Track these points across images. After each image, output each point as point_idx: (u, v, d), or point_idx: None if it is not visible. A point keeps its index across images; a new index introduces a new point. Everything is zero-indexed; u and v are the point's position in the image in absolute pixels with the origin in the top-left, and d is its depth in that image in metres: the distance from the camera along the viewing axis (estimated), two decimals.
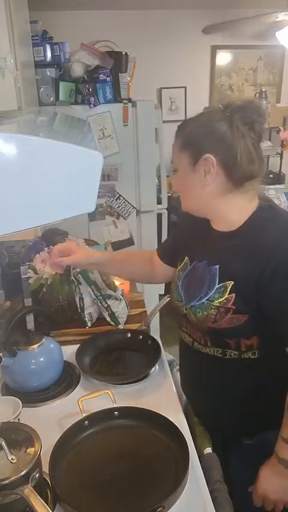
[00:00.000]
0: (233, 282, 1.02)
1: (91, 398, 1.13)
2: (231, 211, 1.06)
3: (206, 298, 1.06)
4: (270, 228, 1.02)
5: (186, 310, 1.13)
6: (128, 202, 2.72)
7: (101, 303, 1.61)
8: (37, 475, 0.85)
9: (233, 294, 1.02)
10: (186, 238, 1.23)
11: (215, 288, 1.05)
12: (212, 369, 1.14)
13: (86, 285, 1.60)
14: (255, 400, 1.11)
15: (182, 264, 1.20)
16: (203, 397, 1.22)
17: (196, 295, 1.09)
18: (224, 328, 1.03)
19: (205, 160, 1.00)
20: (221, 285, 1.04)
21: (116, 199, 2.70)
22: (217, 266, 1.06)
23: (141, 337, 1.50)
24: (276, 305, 0.99)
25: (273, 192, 3.25)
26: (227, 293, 1.03)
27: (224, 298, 1.03)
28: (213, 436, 1.18)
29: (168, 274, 1.33)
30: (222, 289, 1.04)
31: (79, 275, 1.60)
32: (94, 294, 1.60)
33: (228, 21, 2.90)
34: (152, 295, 2.70)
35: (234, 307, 1.01)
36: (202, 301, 1.07)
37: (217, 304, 1.04)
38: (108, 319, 1.63)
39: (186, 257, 1.19)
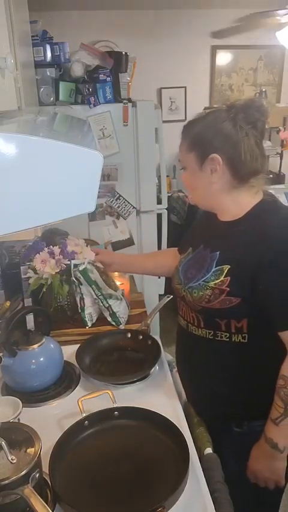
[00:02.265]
0: (229, 266, 1.07)
1: (91, 398, 1.13)
2: (236, 205, 1.11)
3: (203, 279, 1.11)
4: (272, 219, 1.08)
5: (184, 291, 1.18)
6: (128, 202, 2.72)
7: (102, 302, 1.61)
8: (37, 475, 0.85)
9: (229, 277, 1.07)
10: (196, 230, 1.33)
11: (212, 270, 1.10)
12: (203, 351, 1.18)
13: (87, 284, 1.60)
14: (244, 386, 1.15)
15: (185, 254, 1.26)
16: (196, 382, 1.25)
17: (194, 278, 1.15)
18: (216, 308, 1.08)
19: (211, 160, 1.06)
20: (217, 268, 1.09)
21: (116, 199, 2.70)
22: (218, 252, 1.11)
23: (141, 337, 1.50)
24: (270, 291, 1.03)
25: (273, 192, 3.25)
26: (223, 276, 1.07)
27: (219, 280, 1.08)
28: (209, 427, 1.19)
29: None
30: (219, 272, 1.09)
31: (80, 275, 1.60)
32: (95, 293, 1.60)
33: (233, 26, 2.90)
34: (152, 295, 2.70)
35: (228, 289, 1.06)
36: (199, 282, 1.12)
37: (212, 285, 1.08)
38: (109, 319, 1.63)
39: (190, 247, 1.24)
